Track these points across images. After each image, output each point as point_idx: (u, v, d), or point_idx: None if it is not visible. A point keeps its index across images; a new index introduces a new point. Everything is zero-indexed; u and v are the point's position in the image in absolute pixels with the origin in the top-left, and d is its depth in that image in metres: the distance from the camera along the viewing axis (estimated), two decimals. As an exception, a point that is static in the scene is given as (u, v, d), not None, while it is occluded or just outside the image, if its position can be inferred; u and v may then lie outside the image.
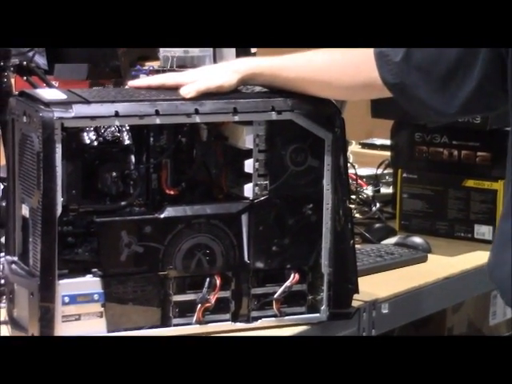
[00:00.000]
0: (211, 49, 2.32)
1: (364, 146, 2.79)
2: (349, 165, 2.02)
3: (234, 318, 1.71)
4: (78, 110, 1.59)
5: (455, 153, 2.21)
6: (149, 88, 1.77)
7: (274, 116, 1.70)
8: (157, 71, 2.19)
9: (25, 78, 1.87)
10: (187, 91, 1.68)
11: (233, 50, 2.38)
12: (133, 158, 1.69)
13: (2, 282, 1.75)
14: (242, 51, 2.39)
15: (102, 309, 1.63)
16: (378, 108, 2.30)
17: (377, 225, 2.29)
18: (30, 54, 1.99)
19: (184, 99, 1.68)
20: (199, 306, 1.67)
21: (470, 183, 2.19)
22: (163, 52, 2.21)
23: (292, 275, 1.72)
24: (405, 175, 2.27)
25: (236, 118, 1.70)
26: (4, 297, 1.73)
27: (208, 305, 1.68)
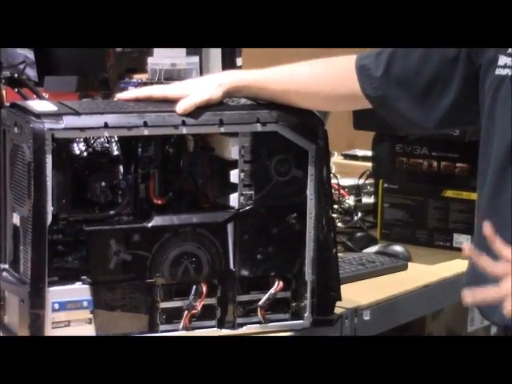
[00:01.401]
0: (198, 62, 2.32)
1: (346, 156, 2.80)
2: (331, 175, 2.02)
3: (220, 325, 1.71)
4: (68, 121, 1.60)
5: (435, 164, 2.22)
6: (137, 100, 1.78)
7: (258, 128, 1.71)
8: (145, 83, 2.19)
9: (16, 89, 1.87)
10: (183, 108, 1.68)
11: (219, 63, 2.39)
12: (121, 168, 1.69)
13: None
14: (228, 64, 2.40)
15: (91, 315, 1.63)
16: (360, 120, 2.31)
17: (358, 234, 2.29)
18: (21, 66, 2.00)
19: (171, 111, 1.68)
20: (186, 312, 1.67)
21: (449, 193, 2.20)
22: (151, 65, 2.21)
23: (276, 283, 1.73)
24: (386, 185, 2.28)
25: (222, 130, 1.71)
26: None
27: (194, 311, 1.68)
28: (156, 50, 2.51)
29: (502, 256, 1.40)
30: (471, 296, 1.36)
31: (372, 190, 2.40)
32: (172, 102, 1.71)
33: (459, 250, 2.18)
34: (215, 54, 2.43)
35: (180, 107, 1.68)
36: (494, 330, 2.56)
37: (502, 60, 1.57)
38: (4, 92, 1.89)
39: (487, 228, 1.40)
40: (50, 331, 1.59)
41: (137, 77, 2.30)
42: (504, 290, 1.35)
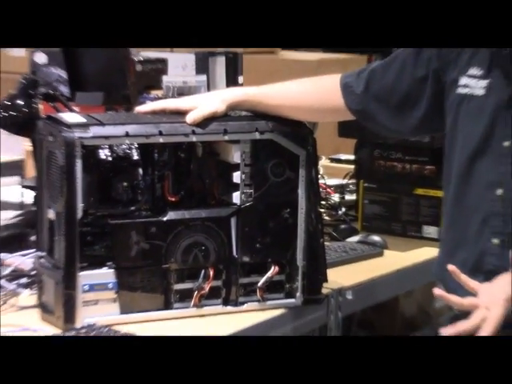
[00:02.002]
0: (205, 80, 2.32)
1: (332, 160, 2.79)
2: (319, 176, 2.02)
3: (225, 303, 1.71)
4: (95, 130, 1.60)
5: (407, 166, 2.21)
6: (153, 112, 1.77)
7: (257, 136, 1.71)
8: (160, 98, 2.20)
9: (51, 104, 1.87)
10: (193, 119, 1.68)
11: (223, 81, 2.38)
12: (140, 171, 1.69)
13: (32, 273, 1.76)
14: (231, 82, 2.39)
15: (115, 295, 1.63)
16: (344, 129, 2.32)
17: (342, 226, 2.28)
18: (55, 83, 2.00)
19: (183, 122, 1.68)
20: (196, 292, 1.67)
21: (420, 191, 2.20)
22: (166, 83, 2.21)
23: (272, 267, 1.73)
24: (366, 185, 2.27)
25: (226, 138, 1.71)
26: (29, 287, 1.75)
27: (203, 292, 1.68)
28: (170, 71, 2.51)
29: (469, 288, 1.41)
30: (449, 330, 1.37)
31: (354, 188, 2.39)
32: (183, 113, 1.71)
33: (428, 239, 2.20)
34: (220, 73, 2.43)
35: (190, 118, 1.68)
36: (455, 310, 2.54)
37: (463, 81, 1.57)
38: (41, 106, 1.88)
39: (451, 267, 1.42)
40: (80, 309, 1.59)
41: (153, 93, 2.30)
42: (474, 322, 1.36)
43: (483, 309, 1.36)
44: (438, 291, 1.43)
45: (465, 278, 1.41)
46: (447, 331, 1.36)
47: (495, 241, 1.54)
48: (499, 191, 1.48)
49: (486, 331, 1.33)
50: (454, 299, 1.40)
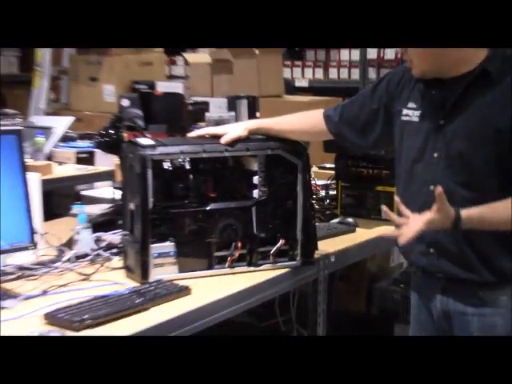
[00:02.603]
0: (234, 114, 2.32)
1: (320, 167, 2.75)
2: (311, 178, 2.02)
3: (248, 264, 1.70)
4: (160, 150, 1.61)
5: (371, 171, 2.19)
6: (199, 137, 1.78)
7: (269, 152, 1.71)
8: (204, 128, 2.20)
9: (131, 132, 1.88)
10: (225, 141, 1.68)
11: (246, 115, 2.38)
12: (191, 176, 1.68)
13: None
14: (251, 115, 2.39)
15: (174, 260, 1.63)
16: (327, 146, 2.30)
17: (327, 212, 2.25)
18: (135, 119, 2.00)
19: (219, 143, 1.68)
20: (229, 258, 1.67)
21: (379, 188, 2.17)
22: (207, 117, 2.21)
23: (280, 240, 1.71)
24: (342, 184, 2.25)
25: (248, 153, 1.71)
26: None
27: (234, 257, 1.67)
28: (211, 109, 2.51)
29: (403, 213, 1.44)
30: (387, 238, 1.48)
31: (335, 186, 2.37)
32: (218, 137, 1.71)
33: (385, 220, 2.18)
34: (244, 111, 2.43)
35: (223, 140, 1.69)
36: (405, 265, 2.53)
37: (404, 111, 1.56)
38: (125, 134, 1.89)
39: (398, 202, 1.46)
40: (152, 269, 1.59)
41: (199, 124, 2.30)
42: (399, 231, 1.41)
43: (408, 224, 1.40)
44: (384, 208, 1.48)
45: (401, 208, 1.45)
46: (385, 235, 1.50)
47: None
48: (431, 187, 1.47)
49: (405, 237, 1.39)
50: (394, 217, 1.45)
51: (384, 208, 1.48)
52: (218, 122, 2.24)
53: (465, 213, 1.38)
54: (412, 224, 1.39)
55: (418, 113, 1.53)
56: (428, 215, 1.39)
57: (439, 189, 1.36)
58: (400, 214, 1.46)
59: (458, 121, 1.46)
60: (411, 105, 1.55)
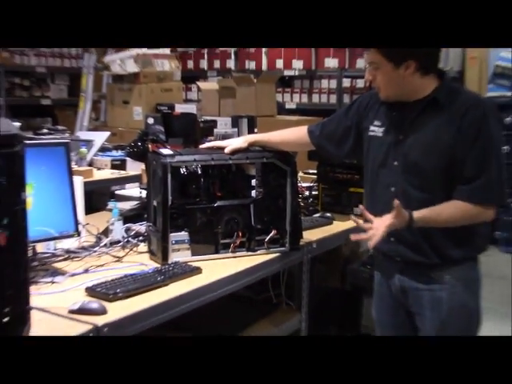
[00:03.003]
0: (236, 130, 2.32)
1: (305, 173, 2.74)
2: (298, 181, 2.00)
3: (247, 250, 1.69)
4: (178, 158, 1.60)
5: (345, 176, 2.17)
6: (208, 148, 1.76)
7: (264, 160, 1.69)
8: (212, 141, 2.19)
9: (155, 144, 1.86)
10: (228, 151, 1.67)
11: (246, 131, 2.38)
12: (202, 179, 1.67)
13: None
14: (250, 131, 2.39)
15: (188, 246, 1.61)
16: (311, 155, 2.27)
17: (310, 208, 2.24)
18: (158, 134, 1.99)
19: (224, 153, 1.67)
20: (232, 244, 1.66)
21: (352, 189, 2.15)
22: (216, 132, 2.22)
23: (273, 231, 1.70)
24: (322, 186, 2.23)
25: (248, 161, 1.69)
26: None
27: (236, 244, 1.66)
28: (218, 126, 2.50)
29: (367, 218, 1.43)
30: (358, 236, 1.40)
31: (316, 188, 2.36)
32: (223, 148, 1.70)
33: (356, 214, 2.16)
34: (244, 127, 2.43)
35: (227, 150, 1.68)
36: (371, 251, 2.51)
37: (371, 128, 1.55)
38: (150, 146, 1.88)
39: (362, 209, 1.44)
40: (171, 254, 1.58)
41: (209, 138, 2.29)
42: (367, 235, 1.38)
43: (374, 228, 1.38)
44: (361, 207, 1.46)
45: (365, 213, 1.43)
46: (354, 237, 1.40)
47: None
48: (392, 188, 1.46)
49: (373, 241, 1.36)
50: (368, 216, 1.42)
51: (361, 207, 1.46)
52: (224, 137, 2.24)
53: (416, 214, 1.38)
54: (377, 229, 1.37)
55: (382, 129, 1.52)
56: (389, 220, 1.37)
57: (397, 202, 1.36)
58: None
59: (414, 136, 1.44)
60: (377, 123, 1.54)
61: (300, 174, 2.70)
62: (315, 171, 2.37)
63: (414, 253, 1.46)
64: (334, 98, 4.92)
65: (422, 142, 1.43)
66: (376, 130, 1.53)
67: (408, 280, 1.50)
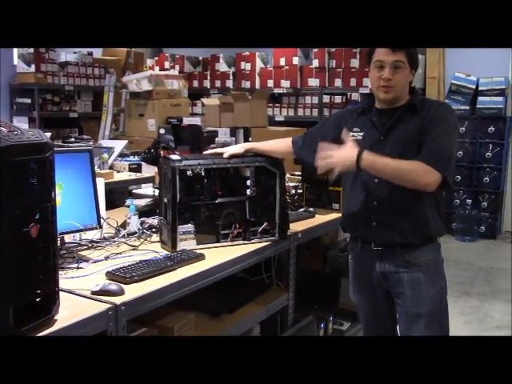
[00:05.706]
0: (234, 139, 2.32)
1: (291, 174, 2.73)
2: (286, 181, 1.99)
3: (244, 239, 1.67)
4: (185, 162, 1.58)
5: (324, 177, 2.12)
6: (211, 154, 1.75)
7: (257, 164, 1.68)
8: (214, 148, 2.18)
9: (166, 151, 1.85)
10: (227, 156, 1.66)
11: (242, 139, 2.37)
12: (205, 180, 1.66)
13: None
14: (246, 139, 2.38)
15: (194, 236, 1.60)
16: (297, 161, 2.28)
17: (296, 204, 2.23)
18: (168, 142, 1.98)
19: (223, 157, 1.66)
20: (230, 235, 1.65)
21: (331, 188, 2.14)
22: (217, 140, 2.21)
23: (265, 223, 1.69)
24: (306, 185, 2.22)
25: (243, 165, 1.68)
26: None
27: (234, 234, 1.65)
28: (219, 135, 2.49)
29: (323, 151, 1.41)
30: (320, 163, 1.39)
31: (301, 187, 2.36)
32: (223, 154, 1.69)
33: (335, 209, 2.15)
34: (241, 137, 2.42)
35: (226, 155, 1.67)
36: (347, 239, 2.50)
37: (351, 133, 1.53)
38: (162, 152, 1.87)
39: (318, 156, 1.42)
40: (179, 243, 1.56)
41: (211, 145, 2.28)
42: (324, 162, 1.38)
43: (329, 158, 1.38)
44: (322, 148, 1.38)
45: (322, 149, 1.40)
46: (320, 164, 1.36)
47: (374, 203, 1.50)
48: (376, 180, 1.47)
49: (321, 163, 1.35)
50: (325, 147, 1.38)
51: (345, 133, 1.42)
52: (224, 144, 2.23)
53: (366, 152, 1.37)
54: (324, 153, 1.36)
55: (361, 134, 1.52)
56: (337, 149, 1.36)
57: (349, 137, 1.36)
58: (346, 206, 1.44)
59: (395, 135, 1.47)
60: (356, 129, 1.54)
61: (287, 175, 2.70)
62: (300, 173, 2.36)
63: (394, 234, 1.46)
64: (315, 112, 5.04)
65: (402, 138, 1.45)
66: (356, 134, 1.53)
67: (388, 265, 1.50)
